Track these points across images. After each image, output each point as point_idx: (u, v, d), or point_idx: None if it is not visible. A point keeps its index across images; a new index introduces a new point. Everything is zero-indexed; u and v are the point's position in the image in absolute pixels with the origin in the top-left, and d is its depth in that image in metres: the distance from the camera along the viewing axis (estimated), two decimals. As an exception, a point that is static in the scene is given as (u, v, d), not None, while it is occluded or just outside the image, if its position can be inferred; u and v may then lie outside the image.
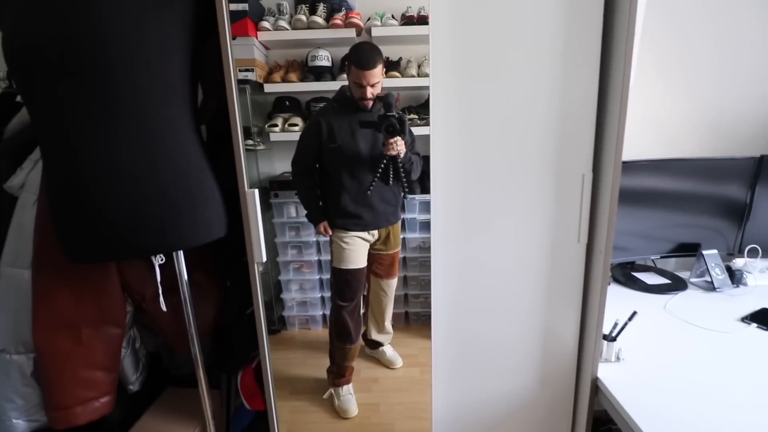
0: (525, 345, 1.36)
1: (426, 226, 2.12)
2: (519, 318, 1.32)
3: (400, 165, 1.40)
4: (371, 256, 1.65)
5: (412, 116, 2.03)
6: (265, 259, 1.00)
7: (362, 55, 1.46)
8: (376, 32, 1.88)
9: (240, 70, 1.83)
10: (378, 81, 1.40)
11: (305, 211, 1.60)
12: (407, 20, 1.92)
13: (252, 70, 1.78)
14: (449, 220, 1.23)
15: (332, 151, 1.46)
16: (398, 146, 1.37)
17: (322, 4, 1.86)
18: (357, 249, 1.58)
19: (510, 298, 1.30)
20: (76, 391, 1.14)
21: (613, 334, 1.34)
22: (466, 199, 1.21)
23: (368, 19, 1.92)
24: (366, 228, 1.57)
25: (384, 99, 1.39)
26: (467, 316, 1.34)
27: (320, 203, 1.57)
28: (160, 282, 1.02)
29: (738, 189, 1.92)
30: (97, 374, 1.18)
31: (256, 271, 1.03)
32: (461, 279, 1.29)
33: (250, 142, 1.86)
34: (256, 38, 1.80)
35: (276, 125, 1.92)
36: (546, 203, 1.15)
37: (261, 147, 1.95)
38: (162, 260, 1.01)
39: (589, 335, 1.29)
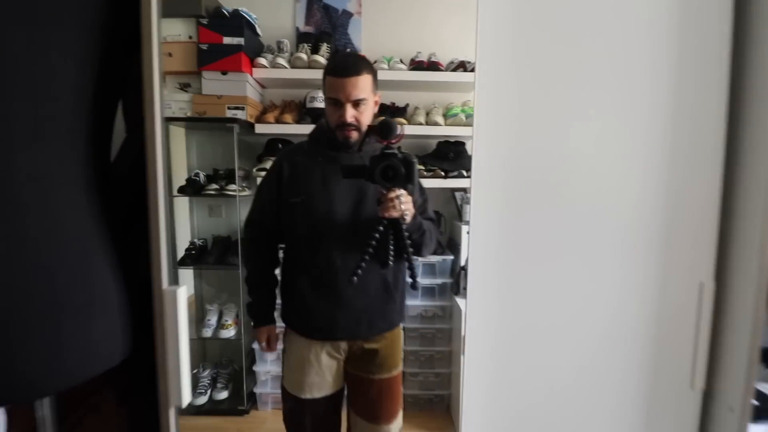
0: None
1: (429, 291, 1.84)
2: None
3: (406, 235, 0.84)
4: (351, 381, 1.01)
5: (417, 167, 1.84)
6: (187, 402, 0.53)
7: (339, 60, 0.97)
8: (382, 75, 1.71)
9: (229, 108, 1.65)
10: (363, 98, 0.88)
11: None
12: (416, 65, 1.77)
13: (242, 108, 1.61)
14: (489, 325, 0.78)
15: (292, 209, 0.93)
16: (403, 203, 0.82)
17: (325, 44, 1.72)
18: (320, 367, 0.96)
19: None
20: None
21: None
22: (517, 291, 0.75)
23: (374, 62, 1.78)
24: (336, 336, 0.94)
25: (382, 126, 0.82)
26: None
27: (273, 291, 1.04)
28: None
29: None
30: None
31: (172, 418, 0.55)
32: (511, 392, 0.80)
33: (234, 186, 1.65)
34: (251, 75, 1.64)
35: (265, 169, 1.71)
36: (639, 323, 0.76)
37: (245, 192, 1.73)
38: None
39: None
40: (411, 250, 0.83)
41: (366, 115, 0.90)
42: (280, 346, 1.05)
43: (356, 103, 0.88)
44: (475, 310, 0.72)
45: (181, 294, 0.52)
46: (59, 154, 0.50)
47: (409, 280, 0.87)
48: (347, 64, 0.90)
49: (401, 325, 1.03)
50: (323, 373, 0.96)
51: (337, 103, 0.88)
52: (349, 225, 0.90)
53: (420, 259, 1.74)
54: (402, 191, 0.82)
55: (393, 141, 0.82)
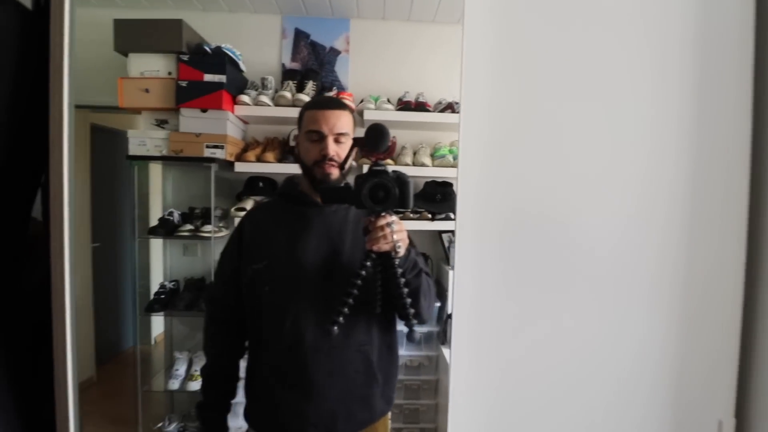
0: None
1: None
2: None
3: (399, 272, 0.67)
4: None
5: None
6: None
7: (322, 97, 0.98)
8: (368, 115, 1.68)
9: (207, 146, 1.59)
10: (345, 133, 0.80)
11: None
12: (404, 105, 1.74)
13: (221, 147, 1.54)
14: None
15: (254, 277, 0.79)
16: (395, 232, 0.67)
17: (311, 82, 1.69)
18: None
19: None
20: None
21: None
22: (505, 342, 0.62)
23: (361, 101, 1.74)
24: None
25: (371, 133, 0.70)
26: None
27: (232, 390, 0.85)
28: None
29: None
30: None
31: None
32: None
33: (209, 227, 1.57)
34: (232, 112, 1.59)
35: (243, 209, 1.62)
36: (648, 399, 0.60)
37: (221, 233, 1.65)
38: None
39: None
40: (406, 290, 0.67)
41: (345, 153, 0.80)
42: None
43: (338, 138, 0.79)
44: (460, 364, 0.60)
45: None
46: None
47: (404, 329, 0.70)
48: (331, 99, 0.91)
49: (389, 414, 0.84)
50: None
51: (318, 135, 0.78)
52: (322, 288, 0.75)
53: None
54: (394, 218, 0.68)
55: (383, 155, 0.75)
